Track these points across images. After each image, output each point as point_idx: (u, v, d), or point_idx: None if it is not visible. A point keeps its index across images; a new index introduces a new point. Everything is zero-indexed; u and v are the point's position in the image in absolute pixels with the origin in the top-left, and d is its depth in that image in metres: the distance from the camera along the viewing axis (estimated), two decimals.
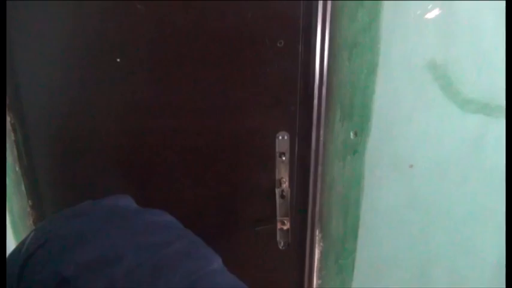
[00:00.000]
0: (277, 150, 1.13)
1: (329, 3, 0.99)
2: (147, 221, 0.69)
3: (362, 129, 1.10)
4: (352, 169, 1.15)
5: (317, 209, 1.19)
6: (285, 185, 1.14)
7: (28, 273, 0.60)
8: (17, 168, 1.23)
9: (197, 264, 0.63)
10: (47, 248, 0.63)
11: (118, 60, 1.08)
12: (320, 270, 1.29)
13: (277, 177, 1.15)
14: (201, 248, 0.69)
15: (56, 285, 0.56)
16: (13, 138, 1.21)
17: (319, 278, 1.30)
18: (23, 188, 1.26)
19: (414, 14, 0.98)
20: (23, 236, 1.26)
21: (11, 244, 1.21)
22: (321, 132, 1.11)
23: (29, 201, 1.28)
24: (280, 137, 1.11)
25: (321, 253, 1.26)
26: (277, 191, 1.14)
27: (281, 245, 1.20)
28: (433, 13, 0.98)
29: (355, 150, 1.13)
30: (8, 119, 1.18)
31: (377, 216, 1.19)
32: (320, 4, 0.98)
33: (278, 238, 1.18)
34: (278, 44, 1.02)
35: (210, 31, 1.04)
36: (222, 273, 0.66)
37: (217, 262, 0.68)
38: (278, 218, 1.15)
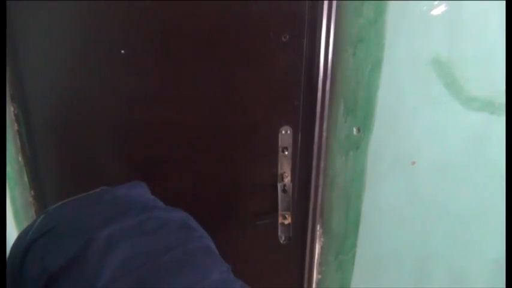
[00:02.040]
0: (280, 144, 1.13)
1: None
2: (152, 221, 0.65)
3: (365, 124, 1.10)
4: (355, 165, 1.15)
5: (318, 204, 1.20)
6: (287, 179, 1.15)
7: (27, 264, 0.61)
8: (20, 159, 1.23)
9: (190, 279, 0.58)
10: (48, 239, 0.63)
11: (122, 51, 1.08)
12: (320, 265, 1.29)
13: (279, 171, 1.15)
14: (200, 257, 0.63)
15: (44, 283, 0.56)
16: (16, 128, 1.21)
17: (319, 273, 1.30)
18: (25, 178, 1.26)
19: (420, 10, 0.98)
20: (25, 226, 1.26)
21: (12, 235, 1.22)
22: (324, 127, 1.11)
23: (31, 191, 1.28)
24: (283, 132, 1.11)
25: (322, 248, 1.27)
26: (279, 185, 1.14)
27: (282, 240, 1.20)
28: (439, 9, 0.98)
29: (358, 145, 1.13)
30: (11, 109, 1.18)
31: (378, 212, 1.19)
32: None
33: (279, 232, 1.18)
34: (283, 38, 1.02)
35: (215, 24, 1.04)
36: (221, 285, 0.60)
37: (218, 271, 0.62)
38: (280, 212, 1.15)
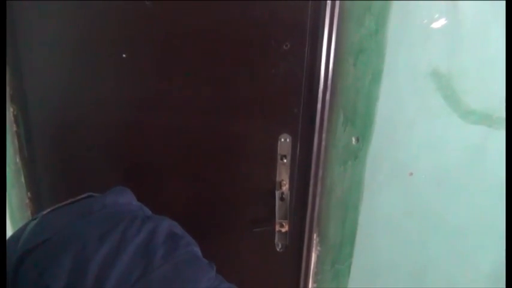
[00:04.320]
0: (278, 152, 1.13)
1: (337, 8, 0.99)
2: (142, 234, 0.67)
3: (364, 134, 1.11)
4: (353, 174, 1.15)
5: (316, 212, 1.20)
6: (285, 187, 1.15)
7: (22, 275, 0.61)
8: (18, 160, 1.23)
9: None
10: (44, 252, 0.63)
11: (124, 55, 1.08)
12: (316, 274, 1.29)
13: (277, 179, 1.15)
14: (187, 269, 0.66)
15: None
16: (15, 129, 1.21)
17: (314, 281, 1.30)
18: (22, 179, 1.25)
19: (421, 22, 0.99)
20: None
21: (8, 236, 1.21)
22: (323, 136, 1.11)
23: (28, 193, 1.28)
24: (282, 139, 1.12)
25: (318, 257, 1.26)
26: (277, 193, 1.14)
27: (279, 247, 1.20)
28: (440, 23, 0.99)
29: (356, 155, 1.13)
30: (10, 110, 1.18)
31: (375, 222, 1.19)
32: (328, 8, 0.99)
33: (276, 240, 1.18)
34: (284, 47, 1.03)
35: (217, 31, 1.04)
36: None
37: (206, 279, 0.65)
38: (277, 220, 1.15)
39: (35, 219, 0.70)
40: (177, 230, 0.73)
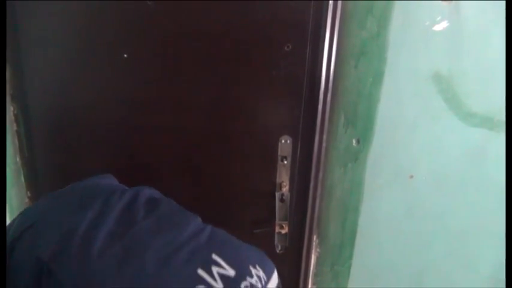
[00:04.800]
0: (279, 153, 1.13)
1: (338, 9, 0.99)
2: (123, 199, 0.71)
3: (365, 137, 1.11)
4: (353, 176, 1.15)
5: (316, 214, 1.20)
6: (285, 188, 1.15)
7: (15, 258, 0.64)
8: (18, 159, 1.23)
9: (169, 237, 0.64)
10: (32, 233, 0.66)
11: (125, 55, 1.08)
12: (315, 275, 1.29)
13: (277, 180, 1.15)
14: (173, 216, 0.70)
15: (38, 270, 0.60)
16: (15, 128, 1.21)
17: (314, 283, 1.30)
18: (22, 179, 1.25)
19: (423, 25, 0.99)
20: None
21: None
22: (324, 137, 1.11)
23: (28, 192, 1.27)
24: (283, 141, 1.12)
25: (317, 258, 1.26)
26: (277, 194, 1.14)
27: (278, 249, 1.20)
28: (441, 25, 0.99)
29: (357, 157, 1.13)
30: (11, 109, 1.18)
31: (375, 224, 1.19)
32: (330, 10, 0.99)
33: (276, 241, 1.18)
34: (286, 48, 1.03)
35: (218, 31, 1.04)
36: (193, 240, 0.65)
37: (192, 224, 0.68)
38: (277, 221, 1.15)
39: (22, 213, 0.74)
40: (156, 195, 0.78)
